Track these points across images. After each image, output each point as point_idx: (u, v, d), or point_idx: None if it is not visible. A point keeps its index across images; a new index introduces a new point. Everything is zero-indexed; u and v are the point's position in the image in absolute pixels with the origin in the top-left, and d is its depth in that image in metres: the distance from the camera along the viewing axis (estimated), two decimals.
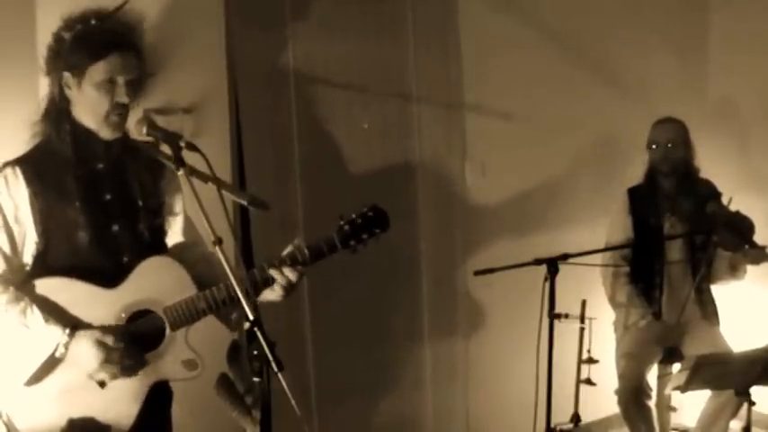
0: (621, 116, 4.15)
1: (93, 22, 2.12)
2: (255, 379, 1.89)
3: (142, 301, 2.14)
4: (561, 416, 3.22)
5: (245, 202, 2.12)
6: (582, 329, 3.23)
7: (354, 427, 3.63)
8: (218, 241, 1.87)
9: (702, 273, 3.50)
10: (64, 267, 2.11)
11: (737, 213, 3.40)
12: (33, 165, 2.13)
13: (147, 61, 2.19)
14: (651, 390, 3.53)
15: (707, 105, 4.44)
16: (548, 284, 3.09)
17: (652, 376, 3.60)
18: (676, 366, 3.55)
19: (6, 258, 2.11)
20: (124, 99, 2.12)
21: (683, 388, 2.88)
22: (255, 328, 1.83)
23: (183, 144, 1.99)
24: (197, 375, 2.20)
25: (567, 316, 3.11)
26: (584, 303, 3.24)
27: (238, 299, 1.89)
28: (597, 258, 3.58)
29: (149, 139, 2.08)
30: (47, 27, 2.22)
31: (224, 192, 1.98)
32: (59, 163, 2.14)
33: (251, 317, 1.84)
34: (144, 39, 2.19)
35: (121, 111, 2.13)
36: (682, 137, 3.70)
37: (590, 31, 4.04)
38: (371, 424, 3.67)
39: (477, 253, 3.76)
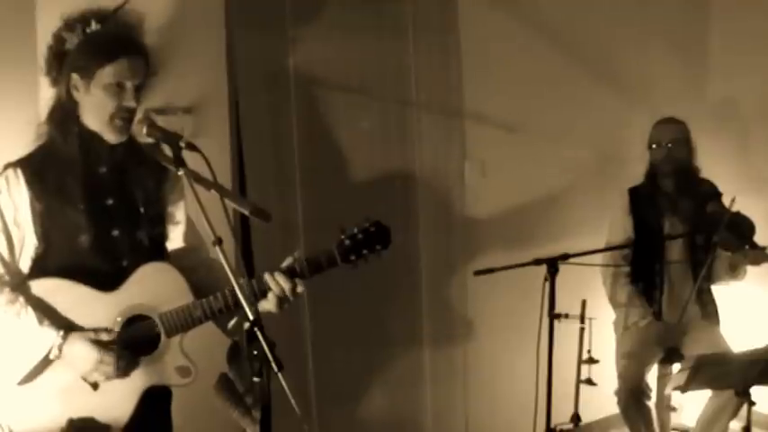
0: (622, 117, 4.15)
1: (93, 22, 2.13)
2: (255, 379, 1.89)
3: (139, 306, 2.15)
4: (561, 416, 3.22)
5: (246, 212, 2.13)
6: (582, 329, 3.22)
7: (354, 428, 3.63)
8: (219, 241, 1.87)
9: (703, 273, 3.50)
10: (62, 269, 2.11)
11: (738, 214, 3.40)
12: (35, 166, 2.12)
13: (151, 62, 2.19)
14: (651, 390, 3.53)
15: (707, 106, 4.43)
16: (548, 284, 3.09)
17: (652, 376, 3.60)
18: (676, 366, 3.54)
19: (3, 261, 2.11)
20: (132, 103, 2.12)
21: (683, 388, 2.88)
22: (255, 329, 1.83)
23: (183, 144, 1.99)
24: (190, 382, 2.20)
25: (567, 316, 3.11)
26: (584, 303, 3.24)
27: (235, 306, 1.89)
28: (597, 258, 3.57)
29: (150, 140, 2.08)
30: (47, 27, 2.22)
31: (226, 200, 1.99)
32: (62, 165, 2.14)
33: (251, 317, 1.84)
34: (145, 39, 2.19)
35: (127, 114, 2.13)
36: (683, 137, 3.70)
37: (590, 31, 4.04)
38: (371, 424, 3.67)
39: (476, 253, 3.76)
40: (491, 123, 3.81)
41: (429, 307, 3.74)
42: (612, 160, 4.13)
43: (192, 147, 1.99)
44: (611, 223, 3.81)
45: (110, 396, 2.12)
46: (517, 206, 3.93)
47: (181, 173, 1.97)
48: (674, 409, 3.82)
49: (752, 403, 2.92)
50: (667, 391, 3.69)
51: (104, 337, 2.08)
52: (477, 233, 3.82)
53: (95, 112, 2.12)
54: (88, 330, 2.09)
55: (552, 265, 3.08)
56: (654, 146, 3.71)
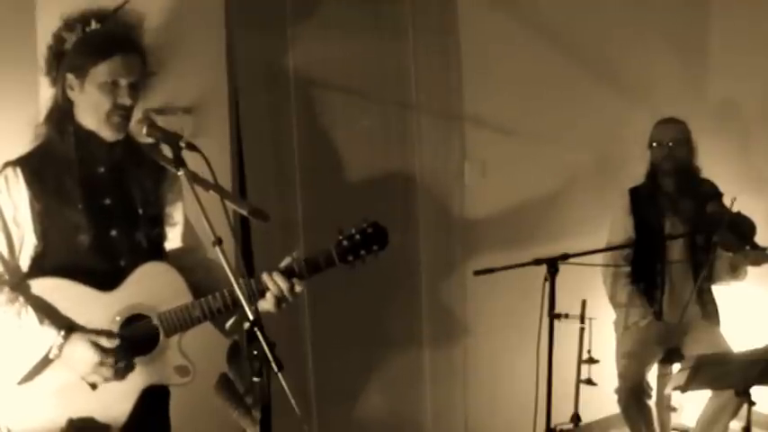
0: (622, 117, 4.15)
1: (93, 22, 2.13)
2: (255, 379, 1.89)
3: (137, 306, 2.15)
4: (561, 416, 3.22)
5: (245, 212, 2.13)
6: (582, 329, 3.22)
7: (353, 427, 3.63)
8: (218, 241, 1.87)
9: (704, 273, 3.49)
10: (61, 269, 2.11)
11: (739, 214, 3.40)
12: (34, 166, 2.12)
13: (148, 61, 2.19)
14: (651, 390, 3.53)
15: (708, 106, 4.43)
16: (548, 284, 3.09)
17: (652, 376, 3.60)
18: (676, 366, 3.55)
19: (3, 260, 2.11)
20: (126, 101, 2.11)
21: (684, 388, 2.88)
22: (255, 329, 1.83)
23: (183, 144, 1.99)
24: (188, 382, 2.20)
25: (567, 316, 3.11)
26: (584, 303, 3.24)
27: (234, 306, 1.88)
28: (597, 258, 3.57)
29: (150, 140, 2.08)
30: (47, 27, 2.22)
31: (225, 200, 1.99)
32: (60, 165, 2.13)
33: (251, 317, 1.84)
34: (145, 39, 2.19)
35: (123, 112, 2.12)
36: (684, 137, 3.70)
37: (590, 32, 4.04)
38: (371, 424, 3.67)
39: (476, 253, 3.76)
40: (491, 124, 3.81)
41: (429, 307, 3.73)
42: (612, 160, 4.13)
43: (192, 147, 1.99)
44: (611, 223, 3.82)
45: (108, 395, 2.11)
46: (517, 206, 3.93)
47: (180, 173, 1.97)
48: (674, 409, 3.82)
49: (752, 403, 2.92)
50: (667, 390, 3.69)
51: (105, 343, 2.07)
52: (477, 233, 3.82)
53: (91, 111, 2.12)
54: (90, 331, 2.09)
55: (552, 265, 3.08)
56: (654, 145, 3.71)
